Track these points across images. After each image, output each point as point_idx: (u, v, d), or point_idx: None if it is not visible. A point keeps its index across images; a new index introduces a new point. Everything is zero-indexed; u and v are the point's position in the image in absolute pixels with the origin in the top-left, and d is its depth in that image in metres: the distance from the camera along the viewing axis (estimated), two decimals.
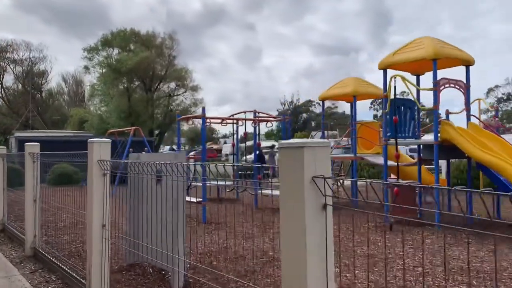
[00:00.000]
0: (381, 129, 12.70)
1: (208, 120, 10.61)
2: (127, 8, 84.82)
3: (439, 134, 8.81)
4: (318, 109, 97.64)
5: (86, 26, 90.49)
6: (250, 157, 48.76)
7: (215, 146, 70.45)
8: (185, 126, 42.28)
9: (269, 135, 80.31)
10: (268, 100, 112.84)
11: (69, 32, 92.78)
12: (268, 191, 11.08)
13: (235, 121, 11.27)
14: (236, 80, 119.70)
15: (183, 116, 11.36)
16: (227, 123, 11.07)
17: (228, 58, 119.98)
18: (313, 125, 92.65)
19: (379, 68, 9.79)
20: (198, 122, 12.62)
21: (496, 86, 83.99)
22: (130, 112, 36.05)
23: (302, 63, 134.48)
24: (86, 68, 42.89)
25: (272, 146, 22.03)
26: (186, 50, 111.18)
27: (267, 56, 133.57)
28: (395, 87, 9.01)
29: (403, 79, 9.08)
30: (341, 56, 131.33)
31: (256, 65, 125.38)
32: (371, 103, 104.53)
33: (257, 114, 11.86)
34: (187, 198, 7.41)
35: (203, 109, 9.31)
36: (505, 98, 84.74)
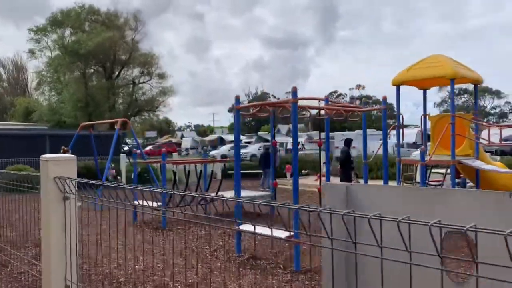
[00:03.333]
0: (472, 122, 9.83)
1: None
2: None
3: None
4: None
5: (22, 10, 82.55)
6: (217, 152, 45.09)
7: (173, 140, 66.04)
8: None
9: (233, 128, 76.21)
10: (218, 91, 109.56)
11: (2, 16, 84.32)
12: None
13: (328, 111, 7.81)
14: (183, 70, 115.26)
15: (261, 102, 7.71)
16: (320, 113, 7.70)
17: (175, 48, 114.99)
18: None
19: None
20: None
21: None
22: (87, 102, 31.41)
23: (251, 55, 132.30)
24: (32, 52, 37.55)
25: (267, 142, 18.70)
26: None
27: (215, 47, 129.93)
28: None
29: None
30: (290, 50, 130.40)
31: (205, 56, 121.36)
32: (327, 96, 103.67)
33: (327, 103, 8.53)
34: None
35: (294, 92, 5.90)
36: (456, 92, 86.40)
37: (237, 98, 8.95)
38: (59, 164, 2.90)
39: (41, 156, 2.98)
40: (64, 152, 13.49)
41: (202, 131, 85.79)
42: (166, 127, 68.05)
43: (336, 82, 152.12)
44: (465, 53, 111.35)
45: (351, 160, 12.01)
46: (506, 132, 33.68)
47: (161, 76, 34.13)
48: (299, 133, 48.64)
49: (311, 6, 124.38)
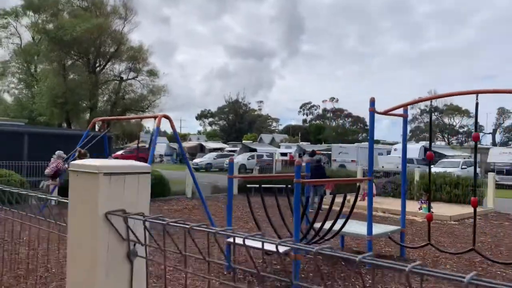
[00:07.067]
0: None
1: None
2: None
3: None
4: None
5: None
6: (201, 160, 41.42)
7: (146, 145, 60.94)
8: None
9: (211, 136, 72.52)
10: (180, 97, 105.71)
11: None
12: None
13: None
14: None
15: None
16: None
17: None
18: (252, 124, 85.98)
19: None
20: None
21: (419, 98, 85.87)
22: (67, 97, 27.24)
23: (216, 63, 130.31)
24: None
25: (313, 153, 15.66)
26: None
27: (179, 53, 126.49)
28: None
29: None
30: (255, 60, 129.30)
31: (168, 61, 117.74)
32: (300, 107, 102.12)
33: None
34: None
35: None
36: (427, 110, 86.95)
37: (372, 101, 7.02)
38: (120, 182, 1.28)
39: (73, 163, 1.38)
40: (81, 156, 9.90)
41: (169, 137, 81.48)
42: (137, 131, 63.26)
43: (301, 94, 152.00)
44: (424, 72, 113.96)
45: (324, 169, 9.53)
46: None
47: (152, 73, 30.42)
48: (287, 144, 45.26)
49: (277, 18, 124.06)
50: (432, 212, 13.94)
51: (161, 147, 55.40)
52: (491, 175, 15.63)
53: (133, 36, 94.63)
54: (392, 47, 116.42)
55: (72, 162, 1.40)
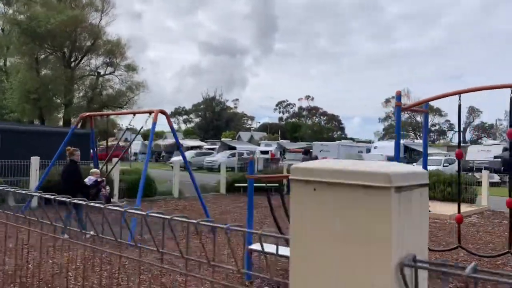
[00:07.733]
0: None
1: None
2: None
3: None
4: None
5: None
6: (180, 159, 40.57)
7: (121, 143, 59.30)
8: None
9: (188, 133, 71.23)
10: (151, 94, 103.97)
11: None
12: None
13: None
14: None
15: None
16: None
17: None
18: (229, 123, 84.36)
19: None
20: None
21: (393, 97, 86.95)
22: (40, 93, 25.94)
23: (188, 60, 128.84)
24: None
25: (307, 152, 15.19)
26: None
27: (150, 49, 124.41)
28: None
29: None
30: (227, 57, 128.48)
31: (138, 57, 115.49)
32: (276, 105, 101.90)
33: None
34: None
35: None
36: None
37: (398, 95, 6.89)
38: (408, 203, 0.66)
39: (304, 166, 0.88)
40: (70, 154, 9.07)
41: (143, 135, 79.87)
42: (111, 129, 61.55)
43: (275, 92, 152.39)
44: (394, 72, 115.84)
45: None
46: (498, 150, 32.74)
47: (130, 68, 29.32)
48: (267, 142, 44.40)
49: (250, 15, 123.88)
50: (429, 210, 13.69)
51: (136, 145, 53.91)
52: (485, 173, 15.49)
53: (111, 30, 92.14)
54: (364, 46, 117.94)
55: (299, 165, 0.77)
